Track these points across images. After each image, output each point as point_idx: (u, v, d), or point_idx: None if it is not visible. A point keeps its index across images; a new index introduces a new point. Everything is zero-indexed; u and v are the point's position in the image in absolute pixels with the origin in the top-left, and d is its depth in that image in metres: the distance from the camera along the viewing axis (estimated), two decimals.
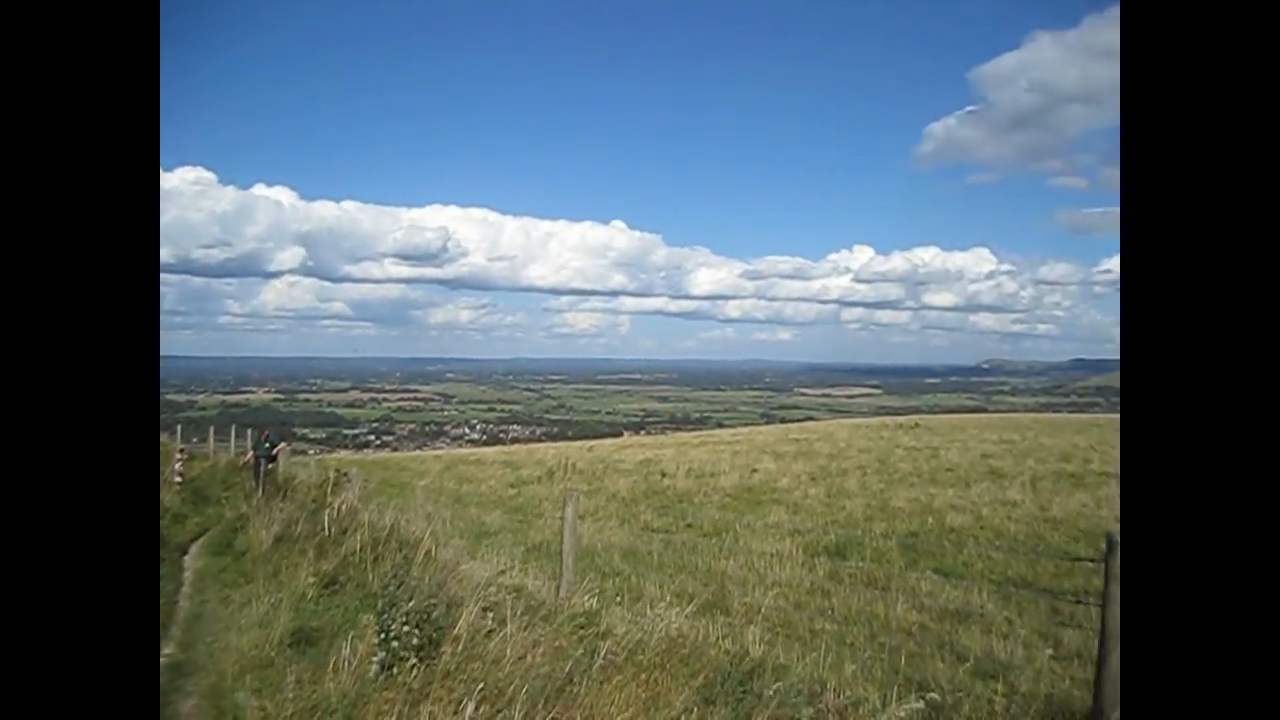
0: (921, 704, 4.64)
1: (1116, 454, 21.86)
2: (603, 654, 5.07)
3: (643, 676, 4.79)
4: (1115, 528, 10.45)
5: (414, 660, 5.20)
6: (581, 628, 5.95)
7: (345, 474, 13.41)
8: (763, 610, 7.96)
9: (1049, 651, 7.19)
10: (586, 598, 6.97)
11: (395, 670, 5.16)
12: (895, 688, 5.04)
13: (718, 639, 5.74)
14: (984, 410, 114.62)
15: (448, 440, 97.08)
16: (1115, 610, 4.33)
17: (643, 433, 75.25)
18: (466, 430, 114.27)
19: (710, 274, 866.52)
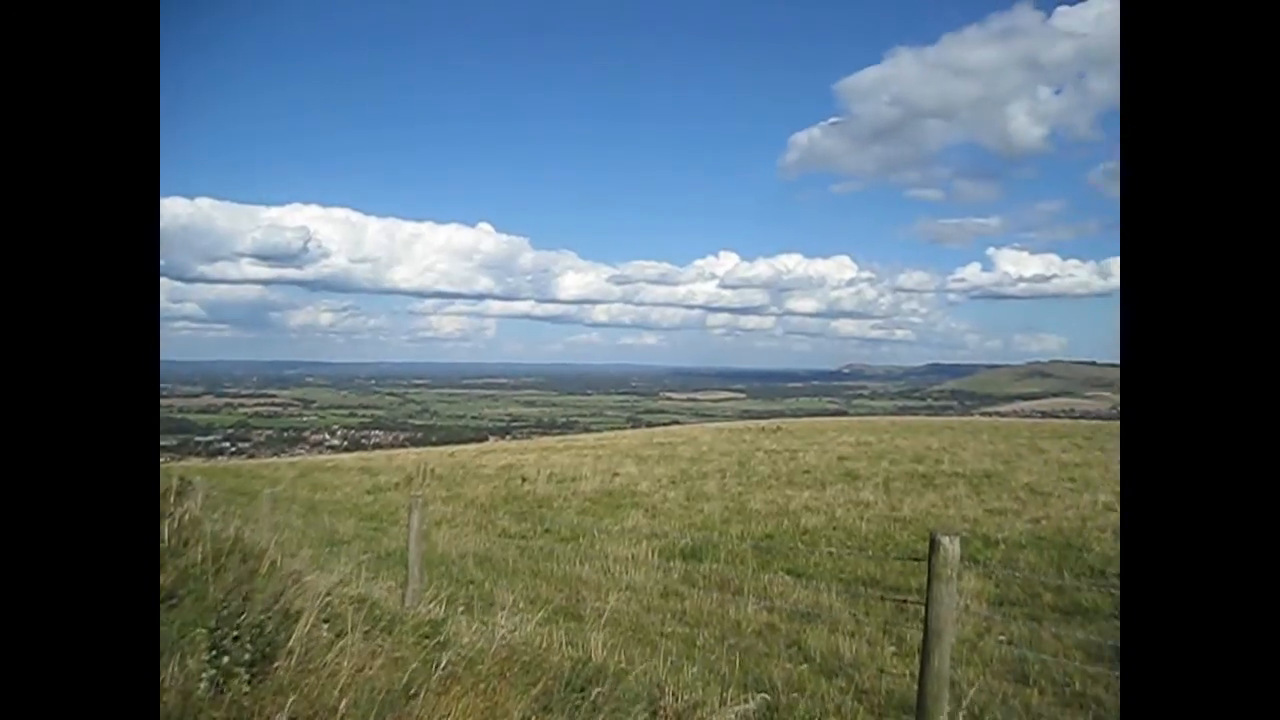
0: (752, 705, 4.68)
1: (966, 455, 22.67)
2: (442, 664, 4.95)
3: (481, 686, 4.69)
4: (945, 527, 10.70)
5: (245, 676, 4.98)
6: (426, 637, 5.81)
7: (189, 482, 12.88)
8: (614, 614, 7.94)
9: (891, 648, 7.38)
10: (433, 606, 6.85)
11: (225, 687, 4.94)
12: (736, 688, 5.08)
13: (562, 645, 5.69)
14: (844, 413, 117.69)
15: (307, 446, 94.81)
16: (938, 610, 4.48)
17: (508, 438, 74.62)
18: (327, 436, 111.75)
19: (578, 278, 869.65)
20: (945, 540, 4.56)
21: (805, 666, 6.81)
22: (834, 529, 13.16)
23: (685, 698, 4.78)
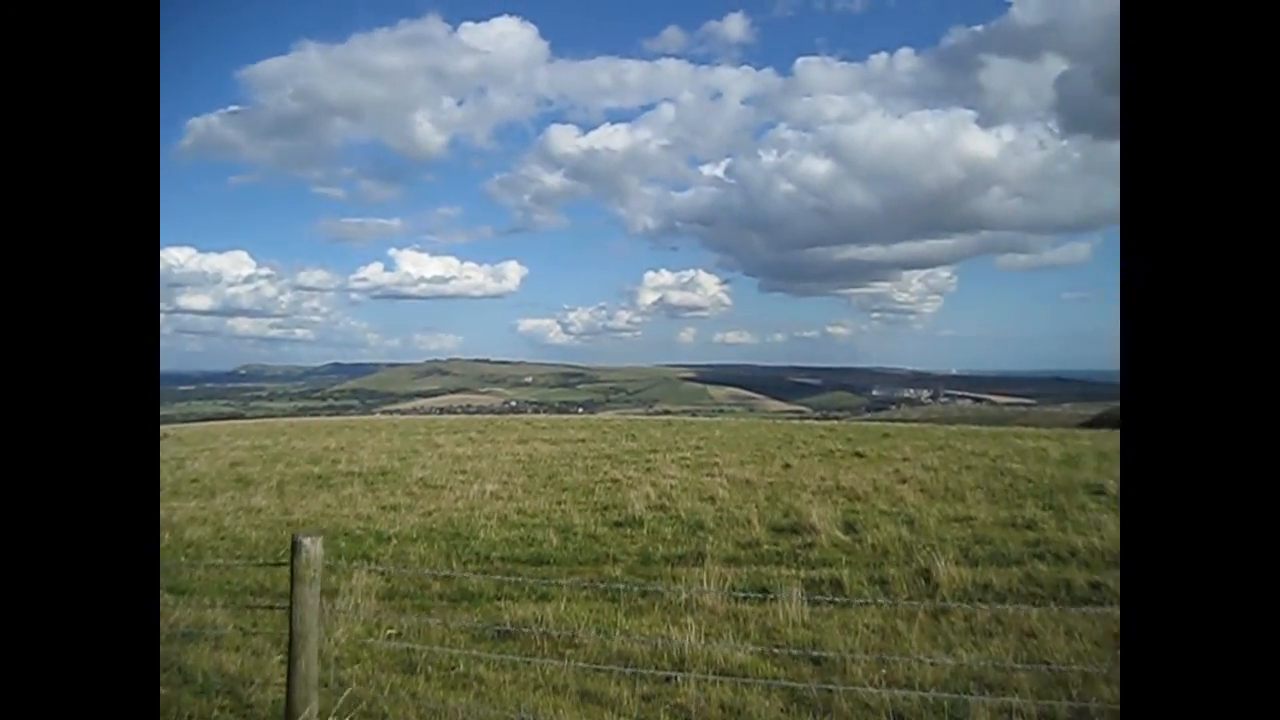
0: None
1: (364, 454, 22.82)
2: None
3: None
4: (339, 527, 10.63)
5: None
6: None
7: None
8: None
9: (280, 658, 7.13)
10: None
11: None
12: None
13: None
14: (241, 416, 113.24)
15: None
16: (302, 612, 4.41)
17: None
18: None
19: None
20: (306, 542, 4.53)
21: (184, 690, 6.34)
22: (222, 539, 12.48)
23: None
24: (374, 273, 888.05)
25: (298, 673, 4.37)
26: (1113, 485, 14.58)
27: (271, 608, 8.44)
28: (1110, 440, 25.39)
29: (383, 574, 9.49)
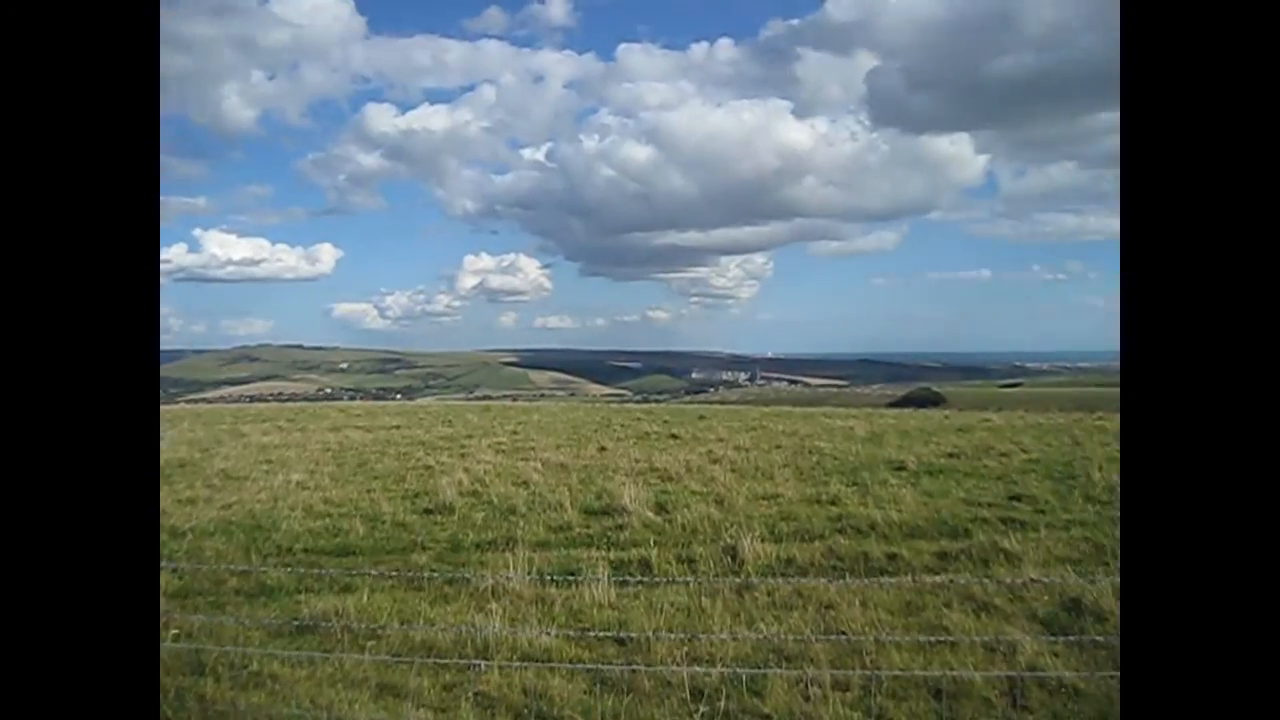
0: None
1: (161, 445, 21.72)
2: None
3: None
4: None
5: None
6: None
7: None
8: None
9: None
10: None
11: None
12: None
13: None
14: None
15: None
16: None
17: None
18: None
19: None
20: None
21: None
22: None
23: None
24: (177, 254, 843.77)
25: None
26: (913, 461, 15.31)
27: None
28: (913, 419, 26.76)
29: (174, 571, 9.01)
